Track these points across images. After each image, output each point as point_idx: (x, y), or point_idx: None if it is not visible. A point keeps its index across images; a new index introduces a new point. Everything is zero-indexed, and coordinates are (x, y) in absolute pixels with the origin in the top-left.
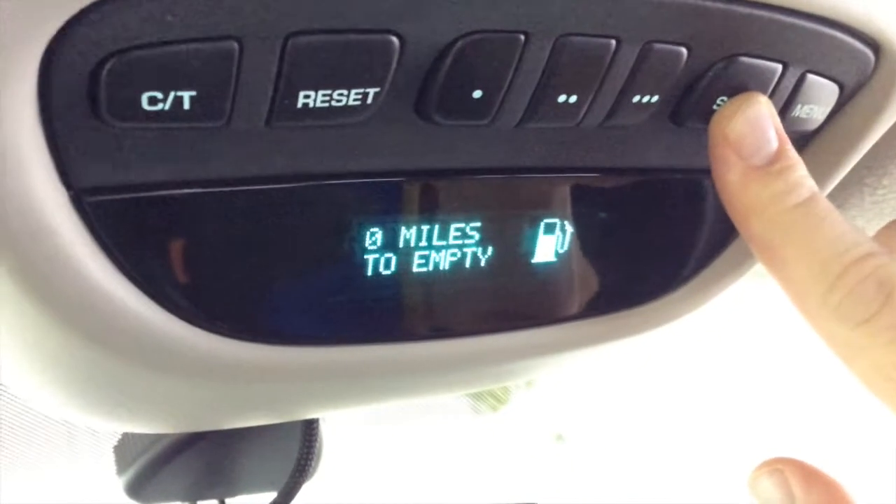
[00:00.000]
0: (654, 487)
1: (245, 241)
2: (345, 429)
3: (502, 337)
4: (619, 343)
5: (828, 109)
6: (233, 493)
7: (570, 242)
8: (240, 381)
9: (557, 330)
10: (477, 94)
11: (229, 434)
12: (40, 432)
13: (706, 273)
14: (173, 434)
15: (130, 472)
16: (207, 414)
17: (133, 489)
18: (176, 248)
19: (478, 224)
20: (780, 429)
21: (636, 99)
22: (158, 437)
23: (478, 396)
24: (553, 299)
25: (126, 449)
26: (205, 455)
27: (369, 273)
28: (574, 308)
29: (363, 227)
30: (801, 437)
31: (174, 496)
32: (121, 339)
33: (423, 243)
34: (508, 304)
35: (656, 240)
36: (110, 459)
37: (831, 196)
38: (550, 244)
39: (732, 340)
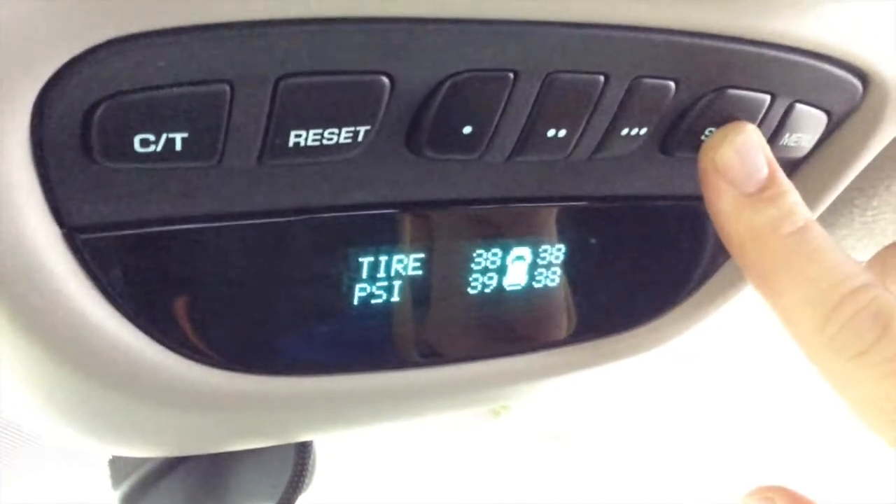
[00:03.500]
0: (654, 489)
1: (237, 274)
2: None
3: (494, 363)
4: (610, 367)
5: (816, 137)
6: None
7: (562, 270)
8: (233, 411)
9: (549, 355)
10: (467, 129)
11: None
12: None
13: (695, 297)
14: None
15: (126, 486)
16: (201, 441)
17: (128, 503)
18: (168, 283)
19: (468, 254)
20: (777, 429)
21: (625, 132)
22: None
23: None
24: (544, 325)
25: (121, 462)
26: (200, 469)
27: (362, 304)
28: (565, 333)
29: (355, 259)
30: (799, 438)
31: None
32: (114, 373)
33: (415, 274)
34: (500, 330)
35: (646, 265)
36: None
37: (821, 218)
38: (541, 272)
39: (732, 342)
